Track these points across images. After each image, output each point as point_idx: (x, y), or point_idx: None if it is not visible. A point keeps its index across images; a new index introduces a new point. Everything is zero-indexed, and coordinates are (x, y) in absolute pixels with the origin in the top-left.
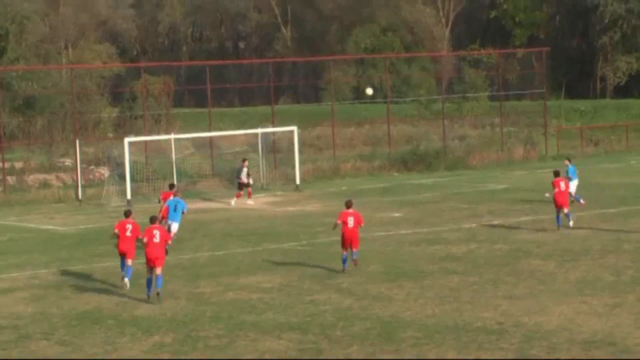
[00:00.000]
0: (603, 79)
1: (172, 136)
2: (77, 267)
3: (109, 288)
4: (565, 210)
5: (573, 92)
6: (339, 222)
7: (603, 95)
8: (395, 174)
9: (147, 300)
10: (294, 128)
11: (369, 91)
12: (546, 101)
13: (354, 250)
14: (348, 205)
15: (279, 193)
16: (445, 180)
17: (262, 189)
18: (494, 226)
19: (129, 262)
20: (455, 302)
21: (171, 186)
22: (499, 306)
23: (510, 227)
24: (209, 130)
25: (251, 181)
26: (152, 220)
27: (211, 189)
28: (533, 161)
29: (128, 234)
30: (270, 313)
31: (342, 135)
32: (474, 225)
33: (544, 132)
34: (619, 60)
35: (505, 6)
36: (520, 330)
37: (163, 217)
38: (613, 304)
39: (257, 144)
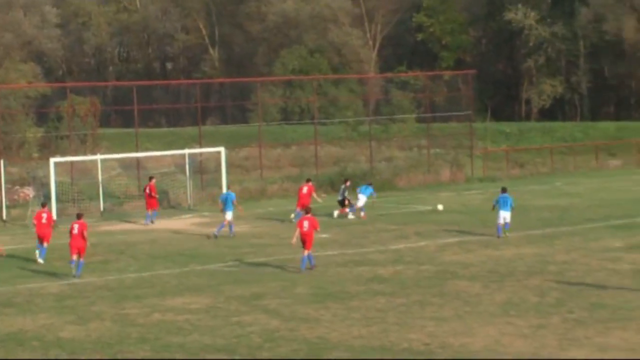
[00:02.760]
0: (528, 102)
1: (99, 157)
2: (1, 289)
3: (33, 309)
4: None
5: (499, 115)
6: (297, 227)
7: (528, 118)
8: (324, 195)
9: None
10: (221, 149)
11: (440, 207)
12: (472, 123)
13: (307, 251)
14: (307, 211)
15: (206, 214)
16: (372, 202)
17: (189, 209)
18: (421, 247)
19: (45, 245)
20: (382, 323)
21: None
22: (426, 327)
23: (437, 249)
24: (136, 150)
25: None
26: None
27: (138, 210)
28: (459, 183)
29: (44, 221)
30: (196, 334)
31: (270, 156)
32: (401, 246)
33: (470, 154)
34: (544, 83)
35: (432, 29)
36: (446, 351)
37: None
38: (538, 325)
39: (184, 164)
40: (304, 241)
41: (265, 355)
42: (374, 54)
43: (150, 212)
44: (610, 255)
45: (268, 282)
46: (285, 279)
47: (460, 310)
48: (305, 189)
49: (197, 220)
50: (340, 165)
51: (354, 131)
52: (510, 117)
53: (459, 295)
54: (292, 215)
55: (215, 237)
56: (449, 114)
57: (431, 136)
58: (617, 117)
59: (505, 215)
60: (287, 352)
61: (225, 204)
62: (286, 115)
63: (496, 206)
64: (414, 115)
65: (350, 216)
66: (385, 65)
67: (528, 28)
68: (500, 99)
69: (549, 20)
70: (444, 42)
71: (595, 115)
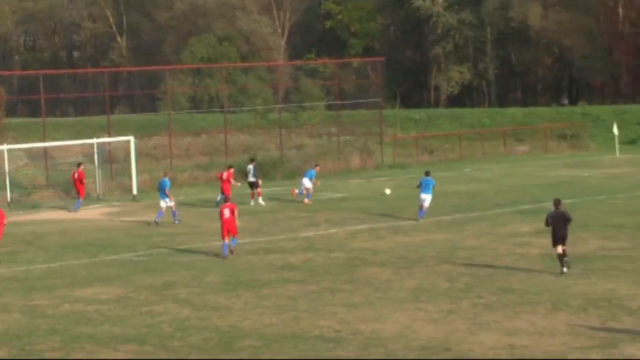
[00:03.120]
0: (437, 89)
1: (5, 147)
2: None
3: None
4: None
5: (408, 102)
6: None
7: (437, 105)
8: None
9: None
10: (131, 138)
11: (388, 191)
12: (381, 110)
13: (234, 236)
14: (226, 199)
15: (115, 203)
16: (283, 189)
17: (99, 199)
18: (331, 235)
19: None
20: (293, 311)
21: None
22: (337, 314)
23: (347, 236)
24: (43, 140)
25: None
26: None
27: (46, 200)
28: (369, 170)
29: None
30: (107, 325)
31: (179, 145)
32: (311, 234)
33: (379, 141)
34: (452, 70)
35: (340, 17)
36: (357, 337)
37: None
38: (448, 310)
39: (93, 154)
40: (227, 229)
41: (176, 344)
42: (283, 42)
43: (81, 199)
44: (519, 240)
45: (179, 271)
46: (196, 267)
47: (370, 297)
48: (225, 175)
49: (107, 209)
50: (250, 153)
51: (263, 119)
52: (419, 104)
53: (369, 281)
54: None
55: (156, 224)
56: (358, 101)
57: (341, 123)
58: (524, 103)
59: (425, 198)
60: (198, 341)
61: (160, 191)
62: (195, 104)
63: (419, 189)
64: (323, 103)
65: (306, 201)
66: (294, 53)
67: (436, 15)
68: (409, 86)
69: (456, 7)
70: (352, 29)
71: (502, 101)
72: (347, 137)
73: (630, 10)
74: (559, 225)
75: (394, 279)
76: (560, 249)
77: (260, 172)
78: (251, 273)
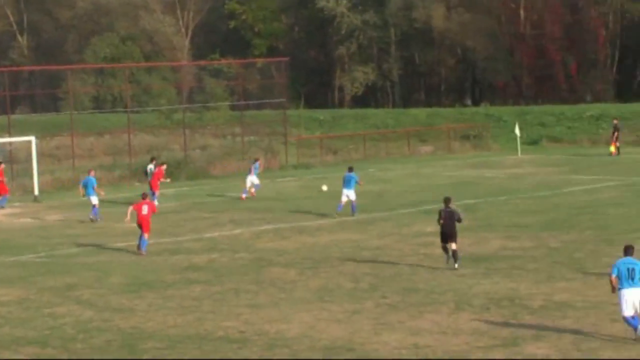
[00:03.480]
0: (341, 89)
1: None
2: None
3: None
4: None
5: (312, 102)
6: (133, 209)
7: (341, 105)
8: (137, 183)
9: None
10: (32, 138)
11: (324, 188)
12: (286, 111)
13: (145, 234)
14: (143, 197)
15: (17, 204)
16: (187, 190)
17: None
18: (236, 235)
19: None
20: (198, 312)
21: None
22: (241, 315)
23: (252, 236)
24: None
25: None
26: None
27: None
28: (274, 170)
29: None
30: (7, 327)
31: (82, 145)
32: (216, 234)
33: (284, 141)
34: (356, 70)
35: (244, 17)
36: (262, 338)
37: None
38: (352, 310)
39: None
40: (142, 225)
41: (79, 346)
42: (187, 42)
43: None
44: (423, 240)
45: (81, 272)
46: (99, 269)
47: (275, 297)
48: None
49: (8, 210)
50: (153, 153)
51: (167, 119)
52: (324, 104)
53: (274, 282)
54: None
55: (92, 220)
56: (262, 101)
57: (245, 124)
58: (427, 104)
59: (348, 193)
60: (100, 343)
61: (86, 189)
62: (98, 104)
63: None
64: (227, 103)
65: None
66: (199, 53)
67: (340, 16)
68: (314, 86)
69: (360, 8)
70: (256, 29)
71: (406, 102)
72: (252, 138)
73: (531, 12)
74: (448, 224)
75: (299, 279)
76: (453, 246)
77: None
78: (155, 274)
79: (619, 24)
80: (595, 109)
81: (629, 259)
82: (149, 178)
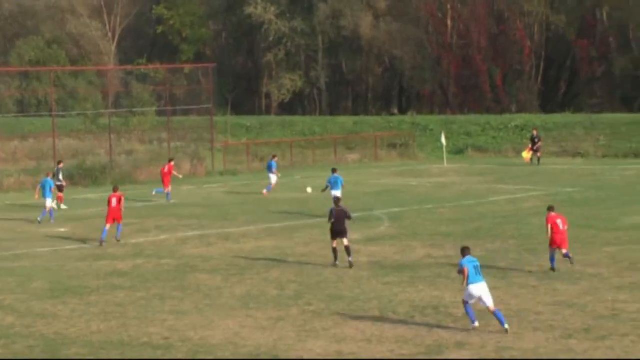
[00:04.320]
0: (268, 96)
1: None
2: None
3: None
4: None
5: (239, 109)
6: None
7: (268, 112)
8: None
9: None
10: None
11: (309, 190)
12: (213, 117)
13: (119, 223)
14: (115, 189)
15: None
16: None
17: None
18: (162, 241)
19: None
20: (122, 318)
21: None
22: (165, 321)
23: (177, 242)
24: None
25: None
26: None
27: None
28: (200, 176)
29: None
30: None
31: (6, 149)
32: (141, 240)
33: (210, 147)
34: (284, 78)
35: (172, 22)
36: (186, 345)
37: None
38: (277, 317)
39: None
40: (113, 217)
41: None
42: (114, 47)
43: None
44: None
45: (3, 277)
46: (22, 274)
47: (200, 304)
48: (166, 168)
49: None
50: (78, 158)
51: (93, 124)
52: (251, 111)
53: (199, 288)
54: (154, 192)
55: (39, 222)
56: (189, 107)
57: (172, 129)
58: (354, 112)
59: (337, 195)
60: (22, 349)
61: (44, 190)
62: (23, 108)
63: (328, 186)
64: (154, 109)
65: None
66: (125, 57)
67: (268, 23)
68: (241, 93)
69: (288, 15)
70: (184, 35)
71: (333, 109)
72: (178, 143)
73: (458, 22)
74: (339, 222)
75: (224, 285)
76: (335, 243)
77: (89, 177)
78: (79, 280)
79: (543, 36)
80: (520, 119)
81: (469, 257)
82: (56, 182)
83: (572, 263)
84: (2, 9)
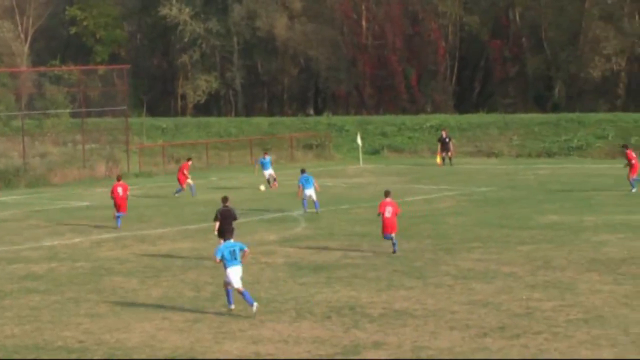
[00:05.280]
0: (184, 97)
1: None
2: None
3: None
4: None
5: (155, 110)
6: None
7: (184, 114)
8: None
9: None
10: None
11: (262, 187)
12: (128, 118)
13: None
14: (118, 179)
15: None
16: (26, 197)
17: None
18: (76, 244)
19: None
20: (36, 322)
21: None
22: (81, 325)
23: (92, 245)
24: None
25: None
26: None
27: None
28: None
29: None
30: None
31: None
32: (55, 243)
33: (126, 149)
34: (199, 79)
35: (85, 23)
36: (101, 348)
37: None
38: (194, 319)
39: None
40: (120, 205)
41: None
42: (26, 48)
43: None
44: (265, 249)
45: None
46: None
47: (116, 307)
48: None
49: None
50: None
51: (6, 126)
52: (166, 112)
53: (115, 291)
54: (175, 192)
55: None
56: (104, 109)
57: (86, 131)
58: (270, 113)
59: (310, 193)
60: None
61: None
62: None
63: (301, 186)
64: (68, 110)
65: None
66: (38, 59)
67: (183, 24)
68: (156, 94)
69: (203, 16)
70: (98, 36)
71: (249, 111)
72: (93, 145)
73: (372, 23)
74: (226, 221)
75: (140, 288)
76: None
77: (2, 180)
78: None
79: (457, 36)
80: (435, 119)
81: (229, 242)
82: None
83: (394, 252)
84: None
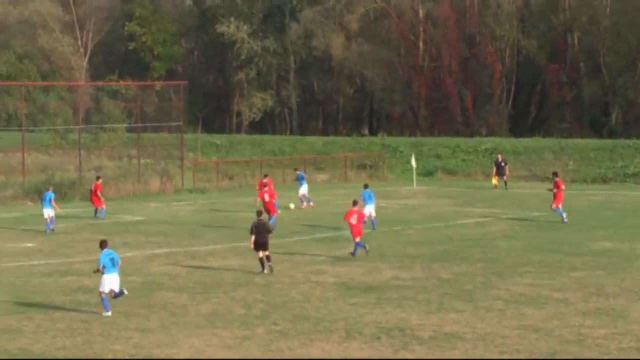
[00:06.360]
0: (239, 115)
1: None
2: None
3: None
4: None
5: (210, 127)
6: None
7: (239, 131)
8: (30, 203)
9: None
10: None
11: (292, 206)
12: (183, 134)
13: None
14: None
15: None
16: (81, 211)
17: None
18: (129, 258)
19: None
20: (87, 335)
21: None
22: (131, 339)
23: (144, 260)
24: None
25: None
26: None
27: None
28: (169, 194)
29: None
30: None
31: None
32: None
33: (180, 165)
34: (255, 97)
35: (144, 39)
36: None
37: None
38: (243, 336)
39: None
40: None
41: None
42: (85, 62)
43: None
44: (315, 268)
45: None
46: None
47: (166, 322)
48: (265, 181)
49: None
50: (48, 173)
51: (63, 139)
52: (221, 129)
53: (165, 306)
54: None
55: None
56: (160, 124)
57: (142, 146)
58: (325, 133)
59: (371, 210)
60: None
61: (43, 202)
62: None
63: (363, 202)
64: (124, 125)
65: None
66: (97, 73)
67: (240, 41)
68: (212, 111)
69: (260, 34)
70: (156, 52)
71: (304, 130)
72: (148, 160)
73: (429, 45)
74: (261, 234)
75: (190, 304)
76: (261, 254)
77: (58, 192)
78: (44, 295)
79: (514, 60)
80: (490, 142)
81: (107, 251)
82: None
83: (366, 253)
84: None
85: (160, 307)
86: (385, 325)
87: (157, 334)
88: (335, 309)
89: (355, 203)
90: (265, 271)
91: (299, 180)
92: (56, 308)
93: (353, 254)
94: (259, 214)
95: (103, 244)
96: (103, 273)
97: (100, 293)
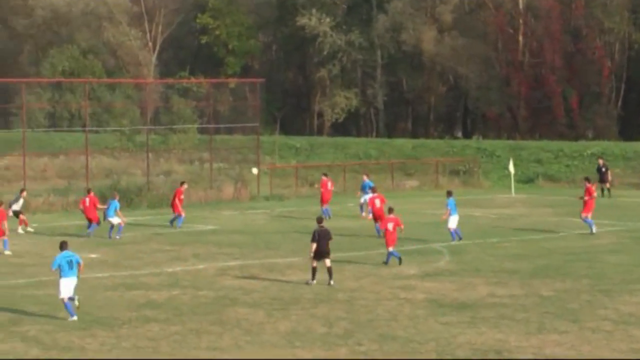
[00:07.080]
0: (320, 115)
1: None
2: None
3: None
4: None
5: (288, 128)
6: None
7: (320, 133)
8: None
9: None
10: None
11: (255, 170)
12: (259, 136)
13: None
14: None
15: None
16: (148, 219)
17: None
18: (199, 271)
19: None
20: (155, 353)
21: None
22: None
23: (216, 272)
24: None
25: None
26: None
27: None
28: (244, 201)
29: None
30: None
31: (34, 166)
32: (177, 269)
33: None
34: (338, 95)
35: (217, 32)
36: None
37: None
38: (324, 357)
39: None
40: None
41: None
42: (154, 57)
43: None
44: (403, 284)
45: (28, 306)
46: (48, 302)
47: (240, 340)
48: (329, 184)
49: None
50: (112, 177)
51: (129, 141)
52: (301, 131)
53: (239, 323)
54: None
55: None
56: (234, 125)
57: (214, 149)
58: (414, 134)
59: (456, 220)
60: None
61: (108, 211)
62: (54, 121)
63: (449, 210)
64: (196, 126)
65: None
66: (166, 69)
67: (322, 35)
68: (290, 111)
69: (344, 27)
70: (230, 46)
71: (391, 131)
72: (221, 164)
73: (530, 39)
74: (323, 242)
75: (267, 321)
76: (318, 263)
77: (124, 199)
78: (109, 310)
79: (625, 55)
80: (596, 146)
81: (66, 252)
82: (14, 208)
83: (399, 263)
84: (35, 15)
85: (233, 324)
86: (480, 347)
87: (230, 353)
88: (424, 329)
89: (391, 210)
90: (314, 282)
91: (364, 188)
92: (121, 324)
93: (385, 262)
94: (319, 220)
95: (63, 245)
96: (59, 277)
97: (62, 300)
